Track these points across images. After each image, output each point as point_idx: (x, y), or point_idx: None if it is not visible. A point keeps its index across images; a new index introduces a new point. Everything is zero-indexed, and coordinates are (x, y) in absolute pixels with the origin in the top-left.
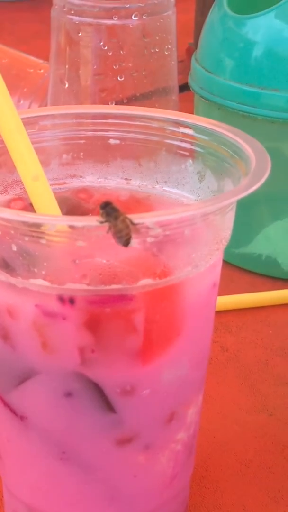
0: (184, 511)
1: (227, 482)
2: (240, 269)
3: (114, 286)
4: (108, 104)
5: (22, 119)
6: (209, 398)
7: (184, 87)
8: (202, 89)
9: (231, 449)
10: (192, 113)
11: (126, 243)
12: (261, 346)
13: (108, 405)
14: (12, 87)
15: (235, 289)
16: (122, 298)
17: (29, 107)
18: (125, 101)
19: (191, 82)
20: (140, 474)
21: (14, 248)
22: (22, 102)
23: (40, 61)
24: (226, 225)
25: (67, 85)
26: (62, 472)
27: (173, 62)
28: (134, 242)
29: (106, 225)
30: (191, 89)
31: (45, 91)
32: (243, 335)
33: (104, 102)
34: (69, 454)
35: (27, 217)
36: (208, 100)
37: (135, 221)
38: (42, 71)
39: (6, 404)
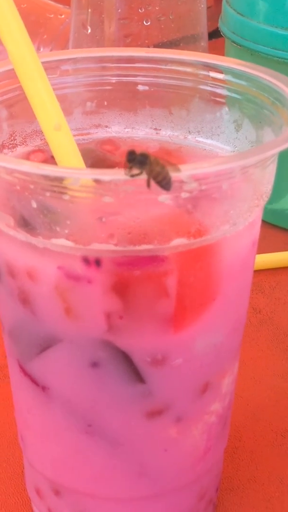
0: (218, 485)
1: (262, 453)
2: (273, 226)
3: (144, 247)
4: None
5: (42, 63)
6: (241, 363)
7: (212, 34)
8: (234, 34)
9: (266, 418)
10: None
11: (169, 185)
12: None
13: (137, 376)
14: (31, 34)
15: (268, 248)
16: (153, 259)
17: None
18: (151, 47)
19: (221, 27)
20: (171, 448)
21: (34, 204)
22: (42, 49)
23: (61, 6)
24: (266, 179)
25: (89, 31)
26: (87, 446)
27: (202, 6)
28: (166, 198)
29: (144, 176)
30: (221, 34)
31: (66, 38)
32: (277, 296)
33: None
34: (95, 427)
35: (48, 170)
36: (240, 46)
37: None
38: (63, 16)
39: (27, 374)
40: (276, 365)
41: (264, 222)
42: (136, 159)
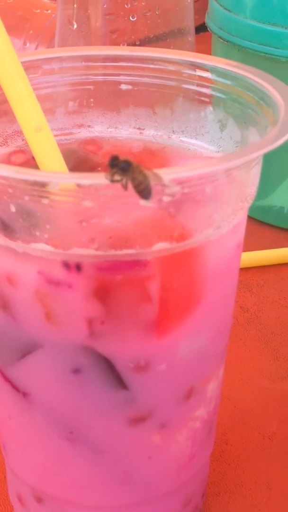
0: (204, 491)
1: (249, 457)
2: (261, 223)
3: (125, 251)
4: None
5: (23, 62)
6: (228, 364)
7: (200, 28)
8: (221, 29)
9: (253, 420)
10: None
11: (149, 194)
12: (284, 306)
13: (119, 382)
14: (17, 29)
15: (256, 245)
16: (134, 264)
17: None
18: (137, 43)
19: (208, 22)
20: (155, 455)
21: (13, 208)
22: (28, 45)
23: (47, 0)
24: (251, 181)
25: (75, 26)
26: (69, 454)
27: (189, 0)
28: (148, 201)
29: (122, 181)
30: (208, 29)
31: (52, 33)
32: (265, 294)
33: (115, 44)
34: (76, 434)
35: (27, 174)
36: (226, 41)
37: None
38: (49, 11)
39: (7, 379)
40: (264, 366)
41: (251, 219)
42: (119, 165)
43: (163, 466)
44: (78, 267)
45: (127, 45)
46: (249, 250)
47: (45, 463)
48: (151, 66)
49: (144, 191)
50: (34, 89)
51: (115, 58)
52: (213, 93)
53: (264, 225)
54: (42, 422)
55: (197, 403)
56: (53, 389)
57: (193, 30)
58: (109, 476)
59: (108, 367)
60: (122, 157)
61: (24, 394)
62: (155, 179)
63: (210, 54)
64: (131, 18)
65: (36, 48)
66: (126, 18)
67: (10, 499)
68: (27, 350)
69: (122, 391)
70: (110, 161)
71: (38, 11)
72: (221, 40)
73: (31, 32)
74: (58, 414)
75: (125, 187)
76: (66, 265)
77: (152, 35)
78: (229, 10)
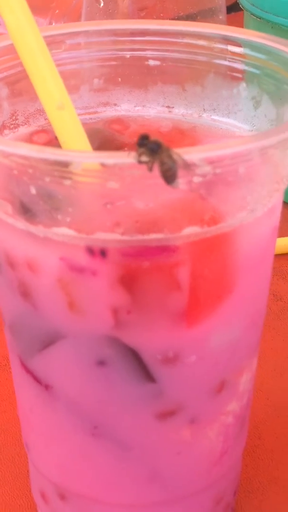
0: (235, 489)
1: (283, 452)
2: None
3: (153, 236)
4: None
5: (45, 37)
6: (260, 354)
7: (231, 8)
8: (253, 6)
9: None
10: None
11: (174, 180)
12: None
13: (147, 374)
14: (43, 9)
15: None
16: (163, 249)
17: None
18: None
19: None
20: (185, 451)
21: (33, 190)
22: (53, 25)
23: None
24: (287, 160)
25: (102, 4)
26: (94, 450)
27: None
28: (178, 182)
29: (149, 163)
30: (240, 6)
31: (78, 13)
32: None
33: None
34: (102, 429)
35: (47, 153)
36: (260, 18)
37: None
38: None
39: (28, 371)
40: None
41: (285, 204)
42: (148, 146)
43: (193, 463)
44: (103, 253)
45: None
46: (283, 236)
47: (69, 459)
48: (181, 40)
49: (170, 177)
50: (57, 65)
51: (143, 32)
52: (247, 68)
53: None
54: (65, 416)
55: (229, 397)
56: (76, 381)
57: (224, 9)
58: (136, 473)
59: (135, 359)
60: (152, 137)
61: (46, 387)
62: (184, 166)
63: None
64: None
65: None
66: None
67: (33, 495)
68: (48, 340)
69: (149, 384)
70: (138, 140)
71: None
72: (253, 17)
73: (57, 11)
74: (82, 408)
75: (150, 169)
76: (90, 250)
77: (182, 14)
78: None
